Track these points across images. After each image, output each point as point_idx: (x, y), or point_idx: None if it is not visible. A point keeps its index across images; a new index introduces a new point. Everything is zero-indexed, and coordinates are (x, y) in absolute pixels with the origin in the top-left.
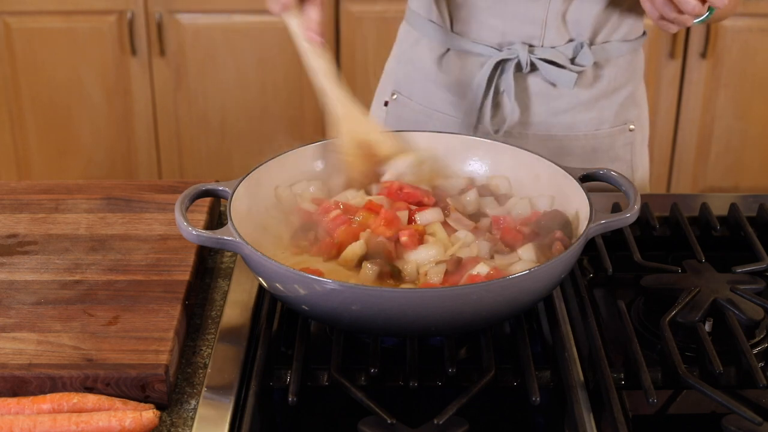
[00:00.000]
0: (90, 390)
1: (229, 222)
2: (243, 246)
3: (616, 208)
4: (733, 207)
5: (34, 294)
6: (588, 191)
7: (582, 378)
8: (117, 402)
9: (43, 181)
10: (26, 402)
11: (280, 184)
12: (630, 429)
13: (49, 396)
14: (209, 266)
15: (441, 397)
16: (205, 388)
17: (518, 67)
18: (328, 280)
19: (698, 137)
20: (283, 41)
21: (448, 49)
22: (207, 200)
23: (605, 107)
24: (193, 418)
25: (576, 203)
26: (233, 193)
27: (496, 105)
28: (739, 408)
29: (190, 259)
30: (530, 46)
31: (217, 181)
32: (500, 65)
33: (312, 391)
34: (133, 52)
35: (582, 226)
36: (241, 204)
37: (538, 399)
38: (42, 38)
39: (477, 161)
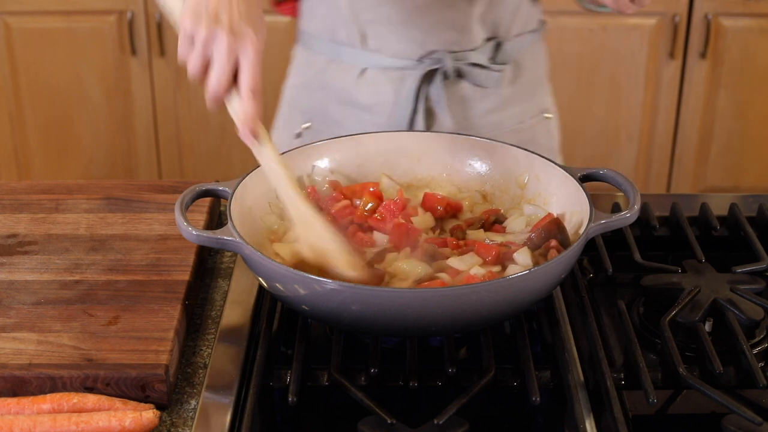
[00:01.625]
0: (90, 390)
1: (229, 222)
2: (243, 246)
3: (616, 208)
4: (733, 207)
5: (34, 294)
6: (588, 191)
7: (582, 378)
8: (117, 402)
9: (43, 181)
10: (26, 402)
11: None
12: (630, 429)
13: (49, 396)
14: (209, 266)
15: (441, 397)
16: (205, 388)
17: (444, 75)
18: (328, 280)
19: (698, 137)
20: (283, 41)
21: (365, 69)
22: (207, 200)
23: (525, 99)
24: (193, 418)
25: (576, 203)
26: (233, 193)
27: (428, 116)
28: (739, 408)
29: (190, 259)
30: (452, 52)
31: (217, 181)
32: (426, 77)
33: (312, 391)
34: (133, 52)
35: (582, 226)
36: (241, 204)
37: (538, 399)
38: (42, 38)
39: (477, 161)
